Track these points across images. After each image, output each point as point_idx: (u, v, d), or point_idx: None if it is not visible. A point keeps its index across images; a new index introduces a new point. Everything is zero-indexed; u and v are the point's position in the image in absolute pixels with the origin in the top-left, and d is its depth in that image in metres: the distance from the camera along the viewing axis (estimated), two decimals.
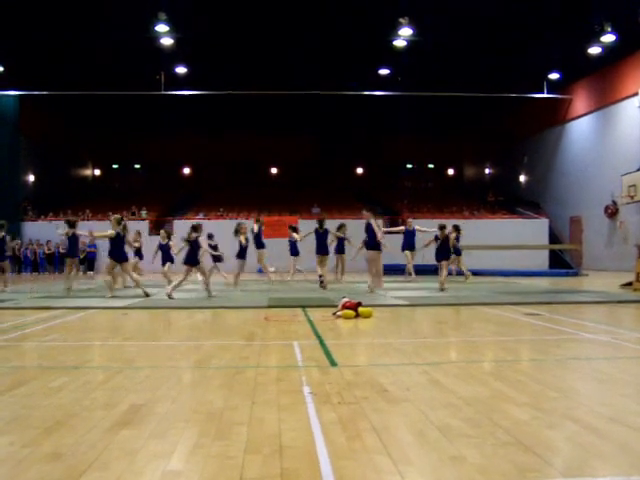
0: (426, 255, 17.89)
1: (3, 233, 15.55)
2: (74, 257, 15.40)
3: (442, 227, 14.93)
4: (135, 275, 13.81)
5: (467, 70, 28.41)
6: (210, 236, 17.32)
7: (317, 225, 16.16)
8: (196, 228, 13.16)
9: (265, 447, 3.05)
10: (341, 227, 16.88)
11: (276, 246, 18.73)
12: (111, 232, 13.09)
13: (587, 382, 4.69)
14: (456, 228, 17.19)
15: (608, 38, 23.56)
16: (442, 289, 14.15)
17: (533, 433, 3.27)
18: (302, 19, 23.61)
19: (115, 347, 6.53)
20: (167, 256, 15.93)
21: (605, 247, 27.27)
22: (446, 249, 14.91)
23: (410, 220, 19.07)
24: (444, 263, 14.74)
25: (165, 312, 10.14)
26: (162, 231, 16.69)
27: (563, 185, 31.22)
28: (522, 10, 22.02)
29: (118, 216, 13.69)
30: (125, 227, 13.44)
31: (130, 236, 14.96)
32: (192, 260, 12.79)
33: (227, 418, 3.60)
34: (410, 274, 17.76)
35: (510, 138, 36.80)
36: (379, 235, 13.17)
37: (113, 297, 12.46)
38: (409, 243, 17.93)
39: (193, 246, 12.88)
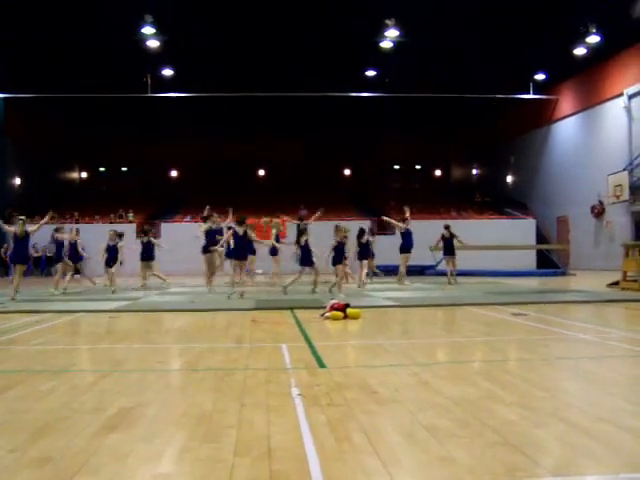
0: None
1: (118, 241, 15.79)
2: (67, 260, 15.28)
3: (447, 227, 17.16)
4: (17, 279, 12.81)
5: (454, 71, 28.49)
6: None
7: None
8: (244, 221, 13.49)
9: (254, 449, 3.05)
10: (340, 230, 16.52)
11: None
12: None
13: (575, 381, 4.72)
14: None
15: (593, 39, 23.77)
16: (454, 282, 16.26)
17: (521, 433, 3.29)
18: (288, 21, 23.59)
19: (104, 350, 6.50)
20: (113, 257, 15.61)
21: (592, 247, 27.44)
22: (451, 247, 16.88)
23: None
24: (449, 258, 16.88)
25: (153, 315, 10.10)
26: (111, 232, 16.01)
27: (550, 185, 31.40)
28: (508, 11, 22.14)
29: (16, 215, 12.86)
30: (22, 227, 12.72)
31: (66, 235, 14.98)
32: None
33: (216, 421, 3.59)
34: (401, 278, 16.66)
35: (497, 139, 36.98)
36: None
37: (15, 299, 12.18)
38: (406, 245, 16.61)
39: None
